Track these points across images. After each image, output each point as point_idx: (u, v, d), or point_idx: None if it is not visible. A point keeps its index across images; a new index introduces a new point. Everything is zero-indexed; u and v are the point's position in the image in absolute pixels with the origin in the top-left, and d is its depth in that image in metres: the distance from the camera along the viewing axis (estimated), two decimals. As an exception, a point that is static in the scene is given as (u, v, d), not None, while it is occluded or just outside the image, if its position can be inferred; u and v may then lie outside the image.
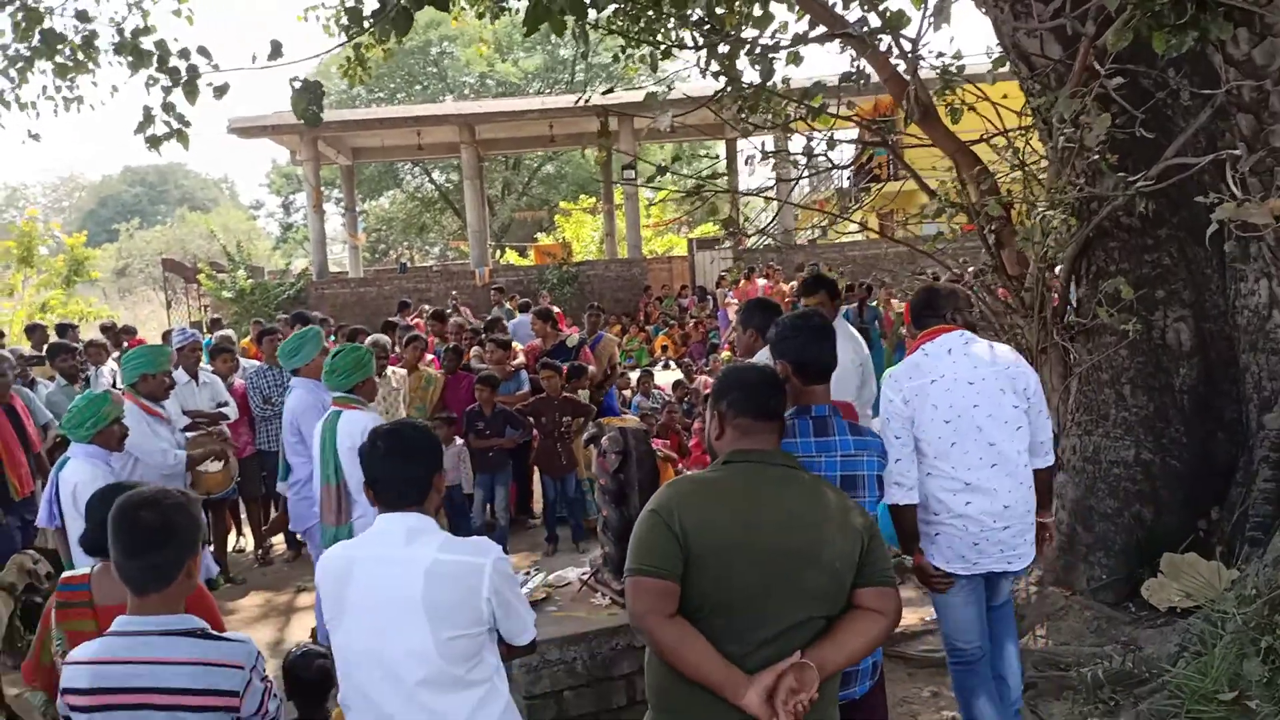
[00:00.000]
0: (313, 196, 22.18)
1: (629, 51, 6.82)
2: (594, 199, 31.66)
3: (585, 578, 4.69)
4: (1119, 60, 4.09)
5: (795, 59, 5.65)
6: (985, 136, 5.24)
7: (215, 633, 2.52)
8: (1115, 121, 4.03)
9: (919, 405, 3.66)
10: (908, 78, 4.85)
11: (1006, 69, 5.29)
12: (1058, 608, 5.17)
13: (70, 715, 2.48)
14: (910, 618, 5.45)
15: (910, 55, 4.69)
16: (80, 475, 4.38)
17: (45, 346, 8.95)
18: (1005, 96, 5.06)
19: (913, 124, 5.04)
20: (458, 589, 2.55)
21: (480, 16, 7.89)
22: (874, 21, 5.08)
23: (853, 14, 5.26)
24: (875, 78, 5.42)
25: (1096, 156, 4.24)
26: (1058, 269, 5.30)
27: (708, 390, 10.08)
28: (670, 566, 2.43)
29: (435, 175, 38.60)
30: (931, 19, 4.31)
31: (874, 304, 11.75)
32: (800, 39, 5.30)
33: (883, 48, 5.04)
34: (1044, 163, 5.09)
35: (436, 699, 2.56)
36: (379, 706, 2.59)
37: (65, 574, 3.38)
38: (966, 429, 3.63)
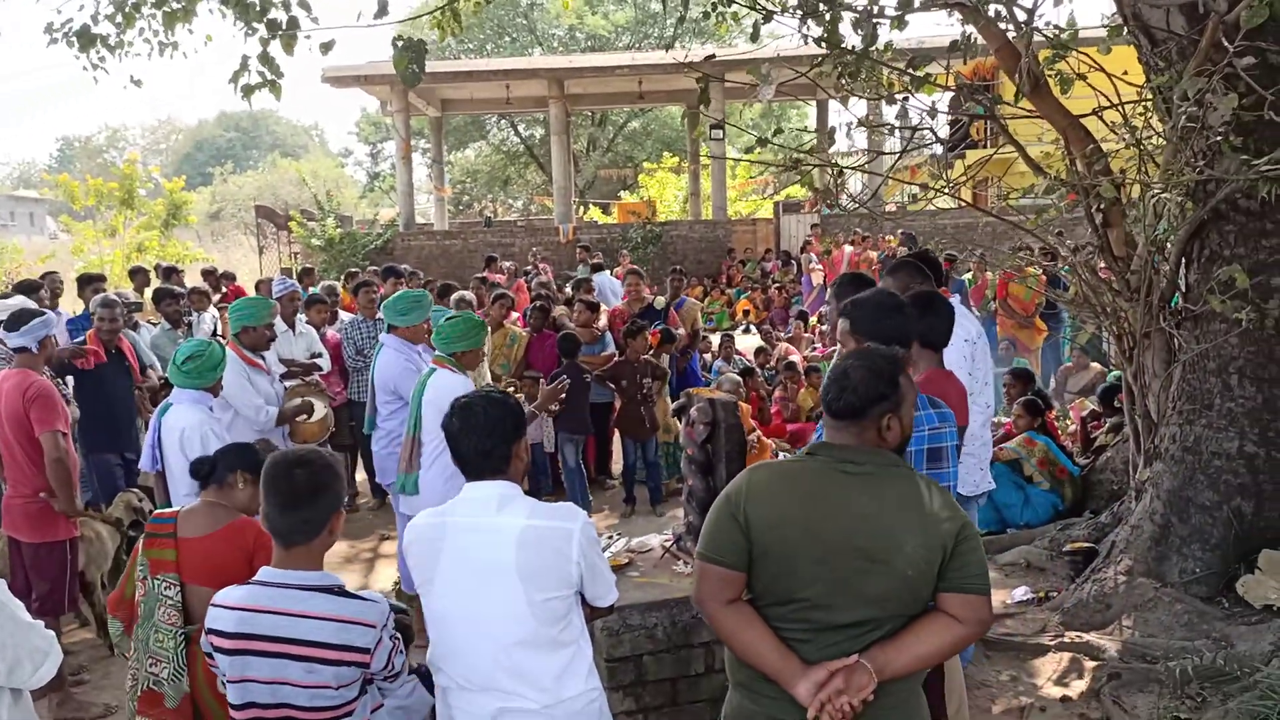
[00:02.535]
0: (401, 147, 22.43)
1: (720, 10, 6.72)
2: (679, 158, 31.46)
3: (668, 545, 4.71)
4: (1249, 38, 3.90)
5: (899, 24, 5.50)
6: (1098, 110, 5.05)
7: (351, 591, 2.65)
8: (1242, 102, 3.85)
9: None
10: (1020, 48, 4.68)
11: (1123, 36, 5.08)
12: (1147, 599, 5.06)
13: (212, 654, 2.64)
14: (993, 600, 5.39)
15: (1024, 25, 4.52)
16: (188, 419, 4.49)
17: (150, 290, 9.25)
18: (1125, 73, 4.86)
19: (1023, 98, 4.88)
20: (548, 553, 2.63)
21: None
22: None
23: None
24: (983, 44, 5.26)
25: (1219, 138, 4.06)
26: (1167, 250, 5.11)
27: (789, 356, 10.05)
28: (731, 555, 2.47)
29: (521, 129, 38.71)
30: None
31: (966, 276, 11.48)
32: (907, 4, 5.15)
33: (993, 14, 4.88)
34: (1160, 141, 4.89)
35: (529, 659, 2.65)
36: (473, 667, 2.68)
37: (158, 510, 3.56)
38: None
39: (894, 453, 2.52)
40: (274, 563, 2.66)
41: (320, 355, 7.53)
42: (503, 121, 38.43)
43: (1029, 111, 5.31)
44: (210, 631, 2.63)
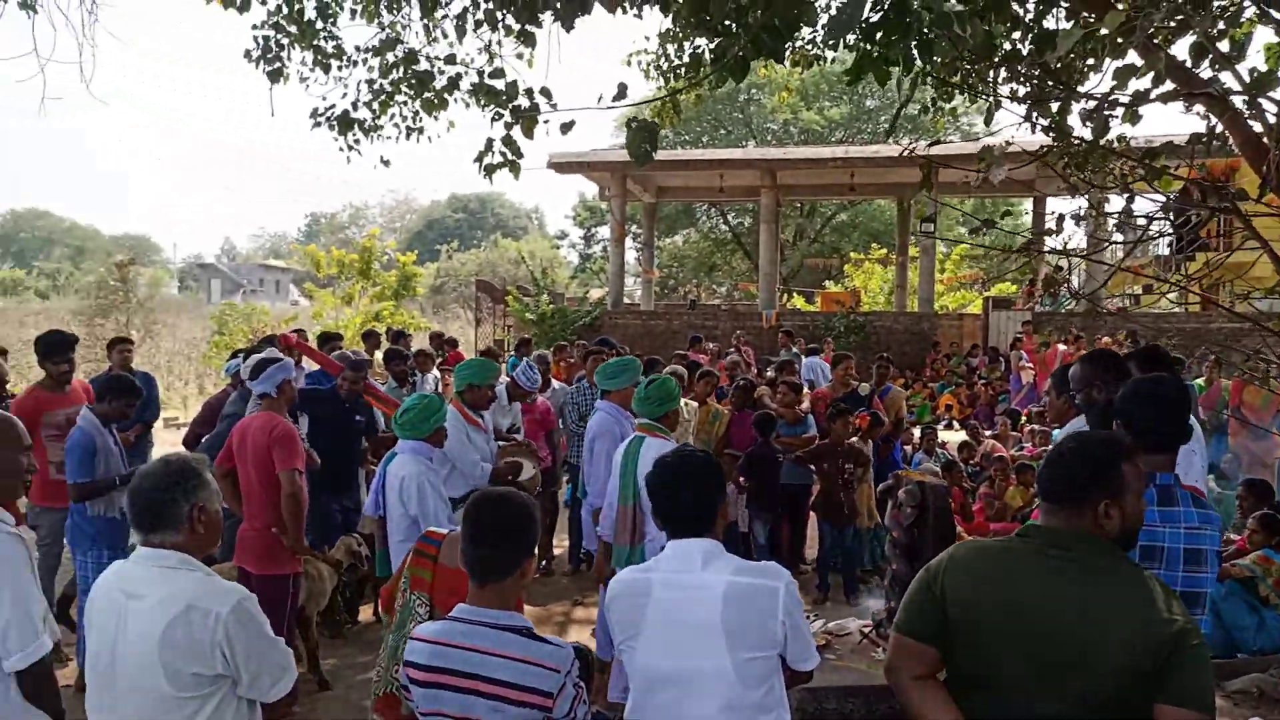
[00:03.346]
0: (616, 230, 23.25)
1: (939, 105, 6.72)
2: (885, 249, 31.19)
3: (867, 630, 4.63)
4: None
5: (1133, 117, 5.36)
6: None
7: (540, 635, 2.68)
8: None
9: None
10: (1270, 143, 4.47)
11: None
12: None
13: (409, 686, 2.72)
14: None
15: (1277, 118, 4.32)
16: (408, 469, 4.84)
17: (379, 351, 9.93)
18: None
19: (1269, 194, 4.65)
20: (754, 611, 2.62)
21: (795, 65, 8.05)
22: (1230, 81, 4.74)
23: (1207, 71, 4.92)
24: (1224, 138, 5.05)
25: None
26: None
27: (996, 453, 9.69)
28: (925, 629, 2.43)
29: (730, 218, 39.40)
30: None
31: (1197, 381, 10.79)
32: (1143, 97, 5.02)
33: (1240, 106, 4.68)
34: None
35: None
36: None
37: (430, 528, 3.85)
38: None
39: (1114, 543, 2.40)
40: (469, 599, 2.71)
41: (517, 431, 7.70)
42: (712, 210, 39.25)
43: (1270, 209, 5.04)
44: (407, 664, 2.70)
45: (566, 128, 5.31)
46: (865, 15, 3.68)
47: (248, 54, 7.25)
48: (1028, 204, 28.46)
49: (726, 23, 4.77)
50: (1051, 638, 2.28)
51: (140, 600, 2.64)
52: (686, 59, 5.38)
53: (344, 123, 7.17)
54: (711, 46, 5.67)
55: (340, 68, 7.40)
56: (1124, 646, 2.23)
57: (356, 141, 7.34)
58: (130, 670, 2.64)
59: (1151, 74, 4.86)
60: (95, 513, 5.61)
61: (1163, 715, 2.22)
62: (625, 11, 6.28)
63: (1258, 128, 4.76)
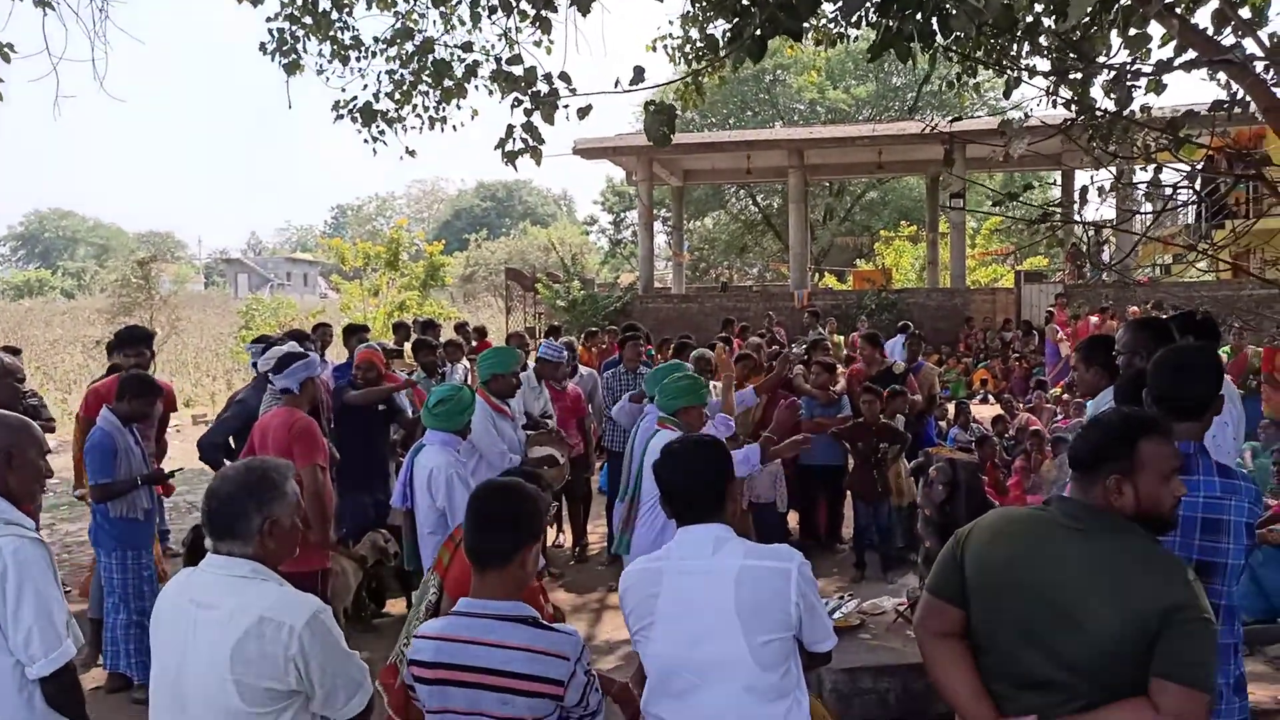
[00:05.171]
0: (644, 215, 23.25)
1: (964, 80, 6.67)
2: (915, 226, 30.99)
3: (902, 608, 4.64)
4: None
5: (1157, 87, 5.31)
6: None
7: (545, 623, 2.65)
8: None
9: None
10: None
11: None
12: None
13: (414, 686, 2.68)
14: (1261, 694, 4.93)
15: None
16: (436, 460, 4.82)
17: (408, 342, 9.96)
18: None
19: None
20: (767, 593, 2.62)
21: (818, 44, 8.00)
22: (1252, 47, 4.68)
23: (1228, 38, 4.87)
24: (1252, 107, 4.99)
25: None
26: None
27: (1031, 426, 9.63)
28: (947, 589, 2.51)
29: (759, 199, 39.26)
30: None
31: (1224, 349, 10.67)
32: (1165, 66, 4.98)
33: (1263, 74, 4.63)
34: None
35: (749, 707, 2.61)
36: (696, 714, 2.66)
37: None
38: None
39: (1130, 520, 2.37)
40: (471, 591, 2.67)
41: (550, 416, 7.64)
42: (741, 191, 39.12)
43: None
44: (412, 663, 2.65)
45: (584, 113, 5.33)
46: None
47: (263, 47, 7.25)
48: (1057, 177, 28.20)
49: (744, 2, 4.77)
50: (1044, 601, 2.32)
51: (211, 610, 2.52)
52: (705, 41, 5.38)
53: (367, 114, 7.16)
54: (729, 27, 5.67)
55: (358, 59, 7.40)
56: (1111, 614, 2.24)
57: (381, 132, 7.34)
58: (200, 683, 2.51)
59: (1174, 43, 4.84)
60: (117, 514, 5.47)
61: (1153, 689, 2.21)
62: (644, -6, 6.27)
63: (1281, 93, 4.72)
